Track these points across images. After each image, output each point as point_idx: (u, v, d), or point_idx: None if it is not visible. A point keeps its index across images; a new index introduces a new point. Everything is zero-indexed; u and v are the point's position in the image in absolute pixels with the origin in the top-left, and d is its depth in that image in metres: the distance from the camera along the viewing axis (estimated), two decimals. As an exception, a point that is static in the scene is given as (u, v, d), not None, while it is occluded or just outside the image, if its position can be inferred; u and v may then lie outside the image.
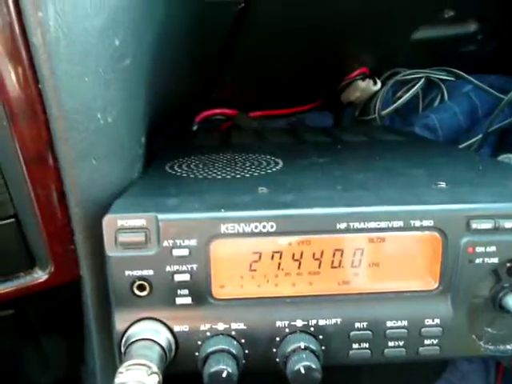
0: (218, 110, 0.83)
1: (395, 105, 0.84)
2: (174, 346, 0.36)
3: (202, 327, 0.36)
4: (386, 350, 0.38)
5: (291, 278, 0.37)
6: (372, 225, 0.36)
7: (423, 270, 0.38)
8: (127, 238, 0.34)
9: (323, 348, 0.37)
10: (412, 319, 0.38)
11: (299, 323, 0.37)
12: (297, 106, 0.87)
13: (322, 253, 0.37)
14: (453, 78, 0.85)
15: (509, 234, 0.37)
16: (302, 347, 0.36)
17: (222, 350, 0.35)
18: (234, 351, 0.35)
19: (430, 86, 0.86)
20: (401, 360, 0.39)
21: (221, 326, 0.37)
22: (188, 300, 0.36)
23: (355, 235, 0.36)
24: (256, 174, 0.46)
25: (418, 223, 0.36)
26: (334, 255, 0.37)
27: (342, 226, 0.36)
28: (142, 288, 0.35)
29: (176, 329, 0.36)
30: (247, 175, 0.46)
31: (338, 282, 0.37)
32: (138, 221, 0.34)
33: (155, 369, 0.32)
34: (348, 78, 0.84)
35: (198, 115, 0.82)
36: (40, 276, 0.42)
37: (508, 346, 0.41)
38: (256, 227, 0.35)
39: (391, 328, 0.38)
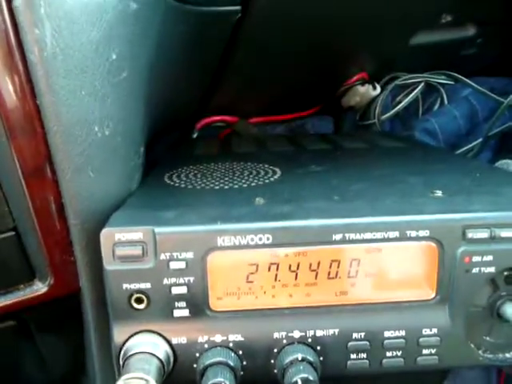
0: (218, 117, 0.83)
1: (395, 109, 0.84)
2: (172, 359, 0.36)
3: (200, 339, 0.37)
4: (384, 360, 0.38)
5: (288, 289, 0.37)
6: (368, 236, 0.36)
7: (420, 279, 0.38)
8: (125, 251, 0.35)
9: (321, 359, 0.37)
10: (410, 329, 0.38)
11: (297, 334, 0.37)
12: (297, 112, 0.87)
13: (318, 264, 0.37)
14: (452, 82, 0.85)
15: (505, 242, 0.37)
16: (300, 359, 0.36)
17: (220, 363, 0.35)
18: (231, 363, 0.36)
19: (430, 90, 0.86)
20: (399, 370, 0.39)
21: (218, 338, 0.37)
22: (185, 312, 0.36)
23: (351, 246, 0.36)
24: (254, 183, 0.46)
25: (414, 233, 0.36)
26: (330, 266, 0.37)
27: (338, 237, 0.36)
28: (139, 301, 0.36)
29: (174, 341, 0.36)
30: (245, 185, 0.46)
31: (335, 293, 0.38)
32: (135, 234, 0.35)
33: (153, 382, 0.32)
34: (347, 84, 0.84)
35: (198, 122, 0.83)
36: (40, 288, 0.42)
37: (507, 355, 0.41)
38: (252, 239, 0.35)
39: (389, 338, 0.38)
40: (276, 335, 0.37)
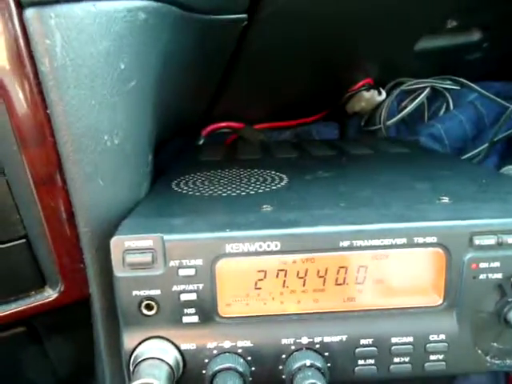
0: (224, 124, 0.83)
1: (400, 115, 0.84)
2: (181, 365, 0.37)
3: (209, 345, 0.37)
4: (391, 366, 0.38)
5: (296, 295, 0.37)
6: (375, 242, 0.36)
7: (428, 286, 0.38)
8: (134, 258, 0.35)
9: (329, 365, 0.37)
10: (417, 335, 0.38)
11: (305, 340, 0.37)
12: (302, 118, 0.88)
13: (326, 270, 0.37)
14: (458, 87, 0.85)
15: (512, 249, 0.37)
16: (308, 364, 0.36)
17: (229, 368, 0.36)
18: (240, 369, 0.36)
19: (435, 95, 0.86)
20: (407, 376, 0.39)
21: (227, 344, 0.37)
22: (195, 319, 0.37)
23: (359, 253, 0.37)
24: (261, 190, 0.47)
25: (421, 240, 0.36)
26: (338, 272, 0.37)
27: (346, 243, 0.36)
28: (149, 307, 0.36)
29: (183, 347, 0.37)
30: (252, 192, 0.46)
31: (343, 299, 0.38)
32: (145, 242, 0.35)
33: (163, 388, 0.32)
34: (352, 90, 0.85)
35: (204, 129, 0.83)
36: (50, 295, 0.43)
37: (515, 360, 0.41)
38: (261, 246, 0.36)
39: (396, 344, 0.38)
40: (284, 341, 0.37)
